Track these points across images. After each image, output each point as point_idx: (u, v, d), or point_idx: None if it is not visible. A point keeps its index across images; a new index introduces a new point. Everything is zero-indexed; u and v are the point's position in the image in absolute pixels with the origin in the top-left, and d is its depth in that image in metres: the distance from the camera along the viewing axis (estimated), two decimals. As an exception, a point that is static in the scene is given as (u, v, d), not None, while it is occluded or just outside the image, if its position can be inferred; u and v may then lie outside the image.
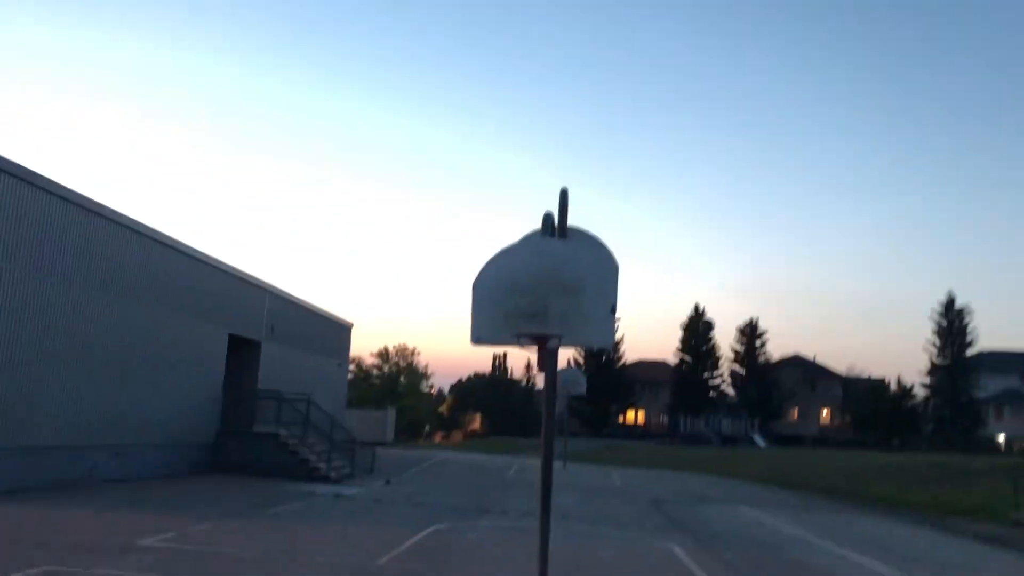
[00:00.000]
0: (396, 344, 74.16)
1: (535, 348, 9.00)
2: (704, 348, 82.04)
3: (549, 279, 9.08)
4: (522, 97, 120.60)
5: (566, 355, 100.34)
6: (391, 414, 53.10)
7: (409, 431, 71.90)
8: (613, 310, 8.93)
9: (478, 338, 9.12)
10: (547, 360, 8.92)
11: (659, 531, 16.51)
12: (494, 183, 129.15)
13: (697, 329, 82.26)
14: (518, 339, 8.97)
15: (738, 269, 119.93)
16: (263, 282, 26.78)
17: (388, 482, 23.69)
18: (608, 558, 12.44)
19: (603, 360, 77.25)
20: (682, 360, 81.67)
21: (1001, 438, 72.29)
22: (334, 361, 34.40)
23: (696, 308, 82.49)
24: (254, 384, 26.00)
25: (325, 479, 22.99)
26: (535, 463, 39.04)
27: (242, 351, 25.76)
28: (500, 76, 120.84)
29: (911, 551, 16.38)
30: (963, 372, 71.24)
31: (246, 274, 25.58)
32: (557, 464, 37.61)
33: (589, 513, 18.59)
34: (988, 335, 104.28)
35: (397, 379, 71.83)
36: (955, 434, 68.24)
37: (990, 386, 72.82)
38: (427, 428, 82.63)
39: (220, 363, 24.13)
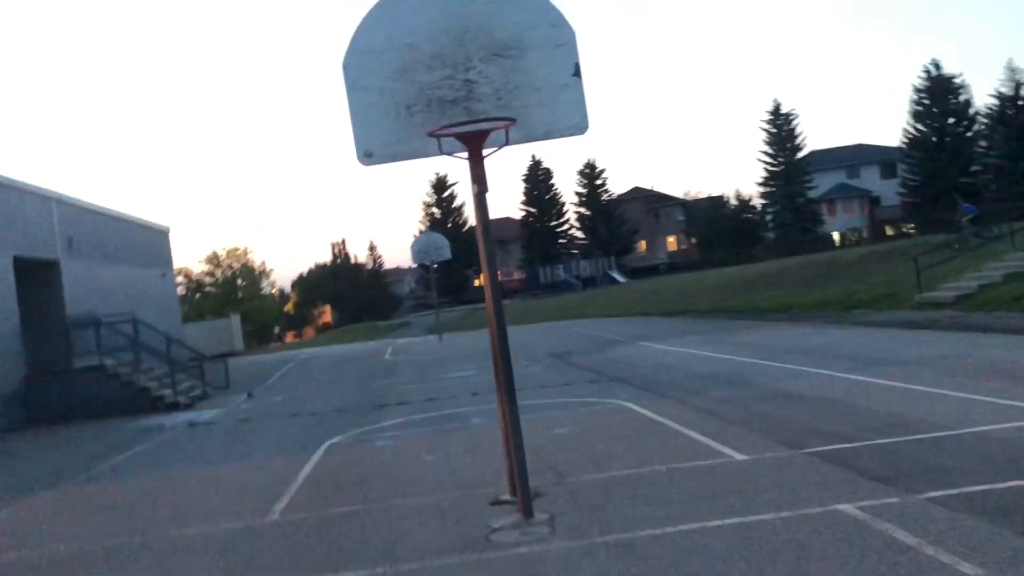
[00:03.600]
0: (226, 247, 67.79)
1: (464, 153, 5.61)
2: (547, 196, 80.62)
3: (470, 35, 5.69)
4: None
5: (416, 222, 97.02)
6: (236, 321, 48.58)
7: (258, 337, 67.30)
8: (577, 72, 5.70)
9: (367, 152, 5.64)
10: (479, 171, 5.60)
11: (594, 387, 13.94)
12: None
13: (537, 179, 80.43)
14: (436, 141, 5.54)
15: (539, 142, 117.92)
16: (46, 190, 21.67)
17: (250, 395, 20.08)
18: (572, 434, 9.67)
19: (448, 224, 74.28)
20: (528, 212, 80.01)
21: (836, 236, 75.15)
22: (156, 272, 29.64)
23: (533, 158, 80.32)
24: (61, 312, 21.33)
25: (173, 407, 19.14)
26: (408, 342, 36.12)
27: (37, 275, 20.91)
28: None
29: (861, 353, 14.62)
30: (796, 175, 72.75)
31: (20, 182, 20.45)
32: (432, 338, 34.80)
33: (499, 384, 15.81)
34: (813, 137, 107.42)
35: (235, 284, 66.22)
36: (796, 236, 70.15)
37: (821, 185, 74.93)
38: (277, 330, 78.03)
39: (9, 293, 19.30)
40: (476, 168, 5.34)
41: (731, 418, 9.52)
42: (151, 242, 29.99)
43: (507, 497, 6.70)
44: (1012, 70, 58.36)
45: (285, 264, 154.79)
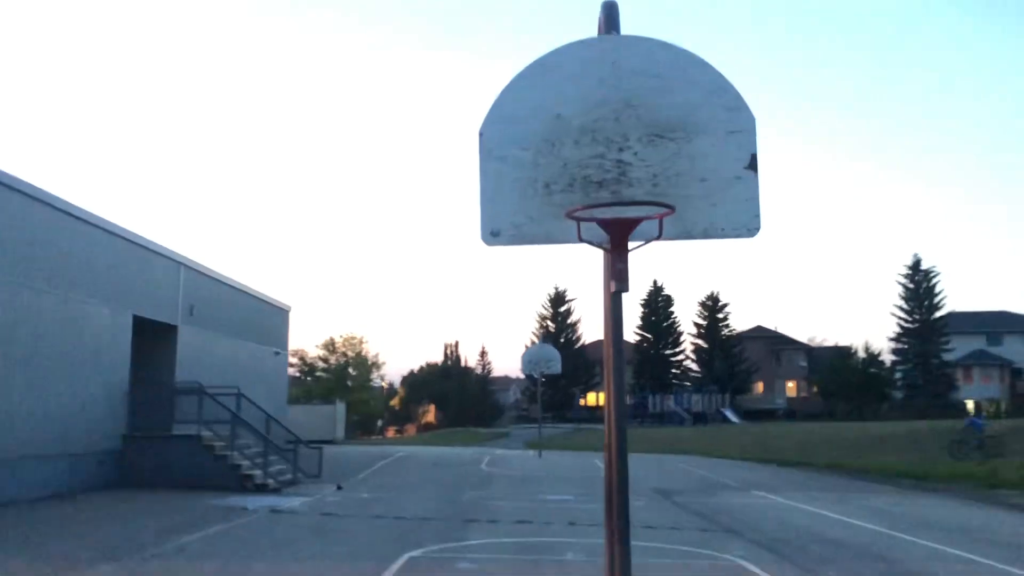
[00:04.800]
0: (343, 335, 68.74)
1: (604, 243, 4.84)
2: (665, 324, 79.07)
3: (630, 111, 4.98)
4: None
5: (528, 333, 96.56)
6: (340, 409, 48.55)
7: (361, 427, 67.26)
8: (753, 164, 4.87)
9: (494, 231, 4.92)
10: (621, 266, 4.79)
11: (704, 536, 12.53)
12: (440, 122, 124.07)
13: (656, 305, 79.18)
14: (575, 227, 4.80)
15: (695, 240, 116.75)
16: (176, 254, 22.14)
17: (340, 488, 19.37)
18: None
19: (560, 340, 73.47)
20: (643, 337, 78.48)
21: (970, 404, 70.29)
22: (270, 350, 29.83)
23: (655, 283, 79.36)
24: (171, 377, 21.43)
25: (261, 488, 18.64)
26: (505, 454, 34.95)
27: (154, 338, 21.16)
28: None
29: (1018, 542, 12.74)
30: (932, 335, 69.05)
31: (153, 243, 20.94)
32: (531, 454, 33.55)
33: (598, 515, 14.50)
34: (953, 297, 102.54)
35: (346, 371, 66.79)
36: (926, 399, 66.00)
37: (958, 349, 70.75)
38: (380, 423, 78.02)
39: (124, 351, 19.49)
40: (618, 262, 4.48)
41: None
42: (270, 319, 30.34)
43: (603, 664, 5.54)
44: None
45: (397, 359, 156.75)
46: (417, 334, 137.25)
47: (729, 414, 67.40)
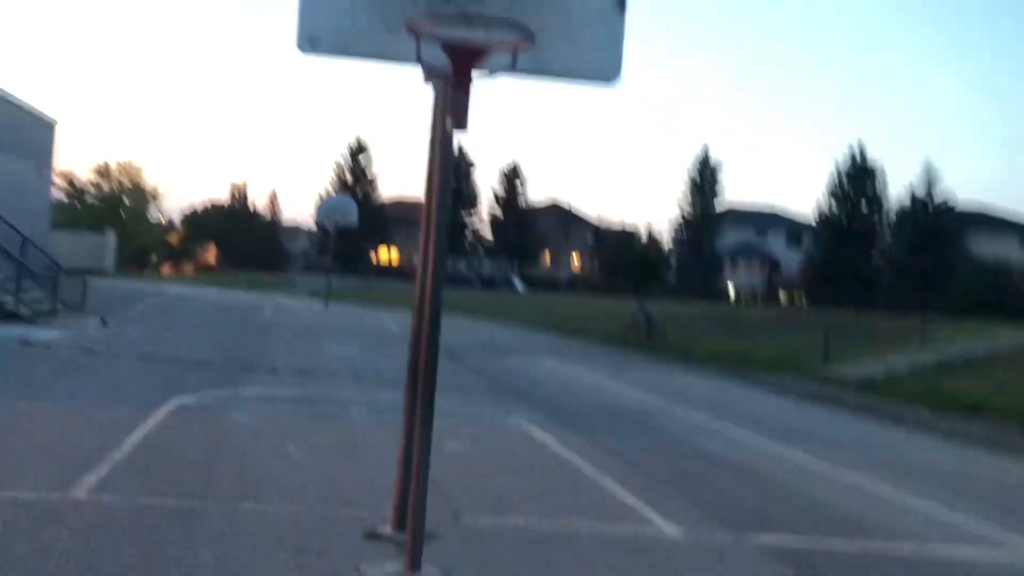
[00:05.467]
0: (120, 160, 63.32)
1: (445, 69, 4.17)
2: (465, 189, 79.05)
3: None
4: None
5: (324, 183, 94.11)
6: (111, 239, 45.21)
7: (134, 261, 63.20)
8: (622, 5, 4.28)
9: (313, 36, 4.09)
10: (460, 101, 4.16)
11: (489, 399, 12.55)
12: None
13: (459, 169, 78.76)
14: (413, 43, 4.08)
15: (499, 111, 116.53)
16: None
17: (105, 322, 17.89)
18: (466, 455, 8.15)
19: (359, 194, 71.75)
20: (442, 199, 78.26)
21: (731, 290, 76.44)
22: (31, 165, 26.68)
23: (459, 148, 78.59)
24: (-95, 184, 18.63)
25: (12, 317, 16.83)
26: (291, 304, 33.91)
27: None
28: None
29: (778, 420, 13.76)
30: (710, 225, 73.54)
31: None
32: (317, 304, 32.74)
33: (386, 371, 14.19)
34: (732, 190, 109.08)
35: (120, 200, 61.97)
36: (697, 284, 70.78)
37: (729, 238, 76.04)
38: (155, 258, 73.79)
39: None
40: (457, 95, 3.82)
41: (654, 474, 8.26)
42: (32, 132, 26.98)
43: (388, 532, 5.20)
44: (929, 169, 59.93)
45: (180, 193, 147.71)
46: (203, 170, 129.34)
47: (516, 282, 69.26)
